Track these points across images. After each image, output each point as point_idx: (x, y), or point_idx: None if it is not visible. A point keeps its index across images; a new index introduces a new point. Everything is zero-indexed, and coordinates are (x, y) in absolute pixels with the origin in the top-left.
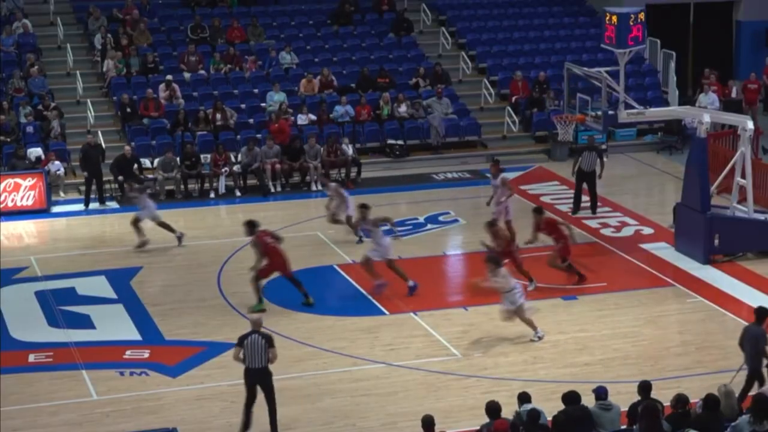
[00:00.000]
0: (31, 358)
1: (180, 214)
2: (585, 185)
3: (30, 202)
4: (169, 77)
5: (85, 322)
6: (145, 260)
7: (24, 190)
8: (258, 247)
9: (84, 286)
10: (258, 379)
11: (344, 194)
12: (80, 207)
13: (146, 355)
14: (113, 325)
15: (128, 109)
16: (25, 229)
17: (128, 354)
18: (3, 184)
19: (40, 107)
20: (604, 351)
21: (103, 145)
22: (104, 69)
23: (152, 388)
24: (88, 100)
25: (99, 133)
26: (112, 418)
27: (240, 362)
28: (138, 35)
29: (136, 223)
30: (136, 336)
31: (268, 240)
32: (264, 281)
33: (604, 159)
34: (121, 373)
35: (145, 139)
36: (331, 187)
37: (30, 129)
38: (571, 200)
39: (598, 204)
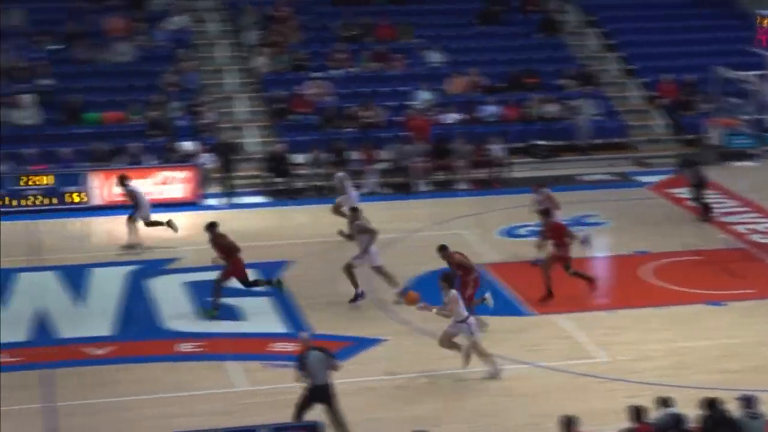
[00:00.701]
0: (181, 347)
1: (328, 210)
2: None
3: (181, 195)
4: (318, 74)
5: (235, 314)
6: (295, 254)
7: (176, 183)
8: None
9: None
10: (323, 396)
11: (348, 187)
12: (233, 200)
13: (292, 348)
14: (262, 317)
15: (279, 106)
16: (177, 221)
17: (276, 346)
18: (156, 177)
19: (192, 102)
20: (751, 359)
21: (249, 141)
22: (256, 65)
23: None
24: (240, 96)
25: (250, 129)
26: (260, 409)
27: (303, 382)
28: (289, 32)
29: (131, 221)
30: (284, 329)
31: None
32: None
33: (702, 171)
34: (269, 365)
35: (294, 136)
36: (337, 176)
37: (182, 123)
38: (718, 204)
39: (746, 209)
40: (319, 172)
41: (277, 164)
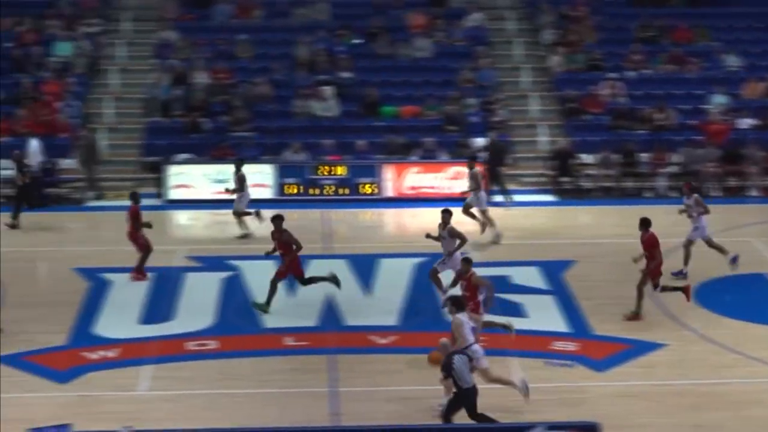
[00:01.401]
0: None
1: (615, 211)
2: None
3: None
4: (612, 75)
5: (518, 311)
6: (579, 254)
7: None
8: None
9: (518, 276)
10: (472, 399)
11: (479, 183)
12: (521, 198)
13: (573, 348)
14: (544, 315)
15: (571, 105)
16: (462, 217)
17: (556, 345)
18: (447, 172)
19: (486, 99)
20: None
21: (541, 140)
22: (550, 64)
23: (577, 381)
24: (533, 94)
25: (541, 127)
26: (537, 406)
27: (452, 387)
28: (585, 32)
29: (240, 215)
30: (565, 328)
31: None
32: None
33: None
34: (551, 364)
35: (584, 135)
36: (473, 172)
37: (475, 119)
38: None
39: None
40: (607, 172)
41: (561, 162)
